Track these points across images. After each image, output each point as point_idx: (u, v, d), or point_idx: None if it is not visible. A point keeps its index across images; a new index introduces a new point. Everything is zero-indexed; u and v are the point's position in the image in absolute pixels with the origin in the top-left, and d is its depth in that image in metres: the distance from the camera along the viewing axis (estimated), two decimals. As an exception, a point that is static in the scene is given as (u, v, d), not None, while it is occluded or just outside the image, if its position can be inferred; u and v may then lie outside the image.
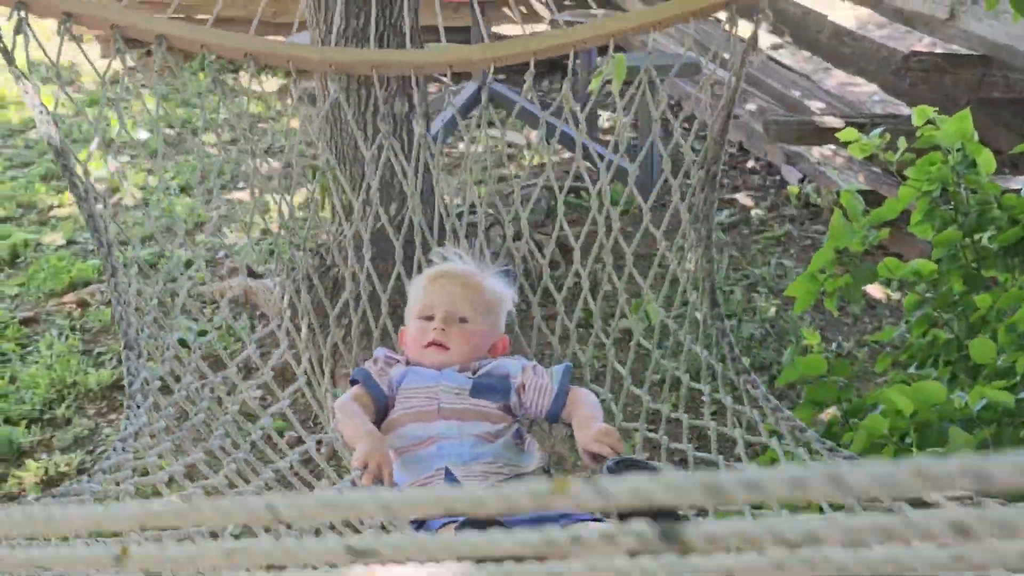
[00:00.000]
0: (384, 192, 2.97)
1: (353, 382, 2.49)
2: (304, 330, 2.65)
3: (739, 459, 2.44)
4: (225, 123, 6.74)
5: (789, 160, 5.55)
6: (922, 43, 6.88)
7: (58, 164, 2.66)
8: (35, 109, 2.57)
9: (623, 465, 2.07)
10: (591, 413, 2.36)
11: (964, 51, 5.11)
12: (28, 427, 3.86)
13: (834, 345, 4.23)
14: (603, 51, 2.93)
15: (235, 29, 7.88)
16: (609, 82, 3.01)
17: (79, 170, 2.57)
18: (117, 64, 2.71)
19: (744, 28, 2.82)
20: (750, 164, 5.94)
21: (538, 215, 4.93)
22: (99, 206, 2.59)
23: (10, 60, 2.46)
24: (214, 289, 4.70)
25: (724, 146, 2.90)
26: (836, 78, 7.11)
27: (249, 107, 6.87)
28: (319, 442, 2.62)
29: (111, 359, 4.24)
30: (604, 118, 6.54)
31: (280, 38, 3.22)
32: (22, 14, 2.47)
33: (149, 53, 8.77)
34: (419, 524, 2.20)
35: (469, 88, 5.53)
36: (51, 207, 5.68)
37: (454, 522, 2.07)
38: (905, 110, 5.36)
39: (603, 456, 2.19)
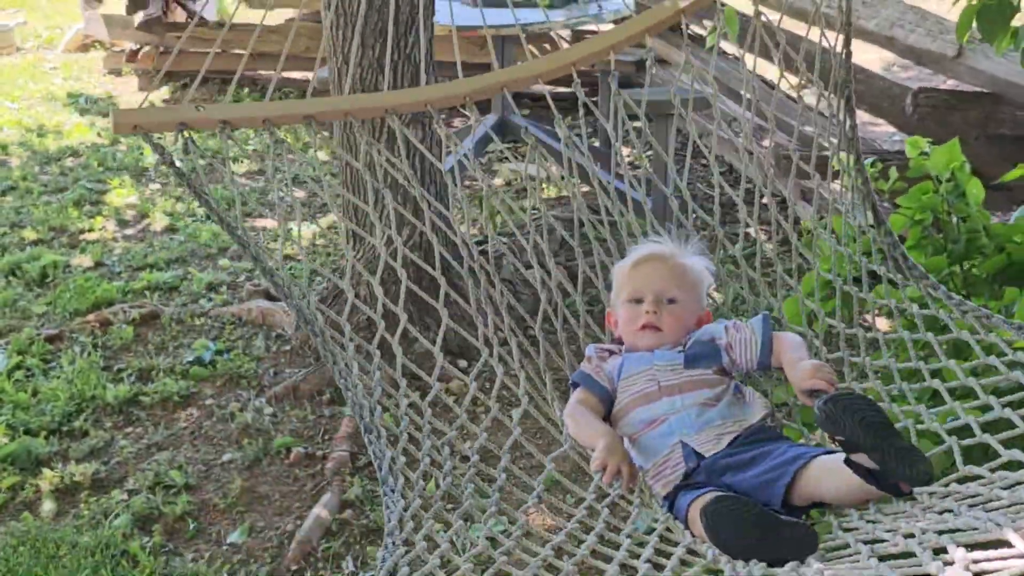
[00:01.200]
0: (399, 218, 2.98)
1: (574, 385, 2.58)
2: (515, 350, 2.66)
3: (938, 359, 2.48)
4: (254, 153, 6.91)
5: (804, 195, 5.60)
6: (946, 84, 6.94)
7: (257, 266, 2.70)
8: (230, 232, 2.62)
9: (833, 402, 2.13)
10: (798, 354, 2.47)
11: (973, 88, 5.19)
12: (47, 438, 3.98)
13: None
14: (624, 84, 3.01)
15: (270, 63, 8.03)
16: (632, 117, 3.05)
17: (280, 271, 2.62)
18: (152, 97, 2.76)
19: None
20: (764, 199, 6.00)
21: (552, 244, 4.99)
22: (305, 300, 2.62)
23: (187, 180, 2.54)
24: (233, 311, 4.82)
25: (851, 71, 3.02)
26: (857, 117, 7.17)
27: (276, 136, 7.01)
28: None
29: (129, 375, 4.36)
30: (625, 153, 6.64)
31: (308, 72, 3.34)
32: (186, 134, 2.57)
33: (185, 86, 8.92)
34: (671, 502, 2.30)
35: (488, 120, 5.64)
36: (82, 231, 5.83)
37: (704, 492, 2.19)
38: (916, 146, 5.42)
39: (820, 391, 2.31)
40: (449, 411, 2.52)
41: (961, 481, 2.06)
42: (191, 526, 3.54)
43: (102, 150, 7.01)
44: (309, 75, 3.57)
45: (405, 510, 2.16)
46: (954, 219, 3.18)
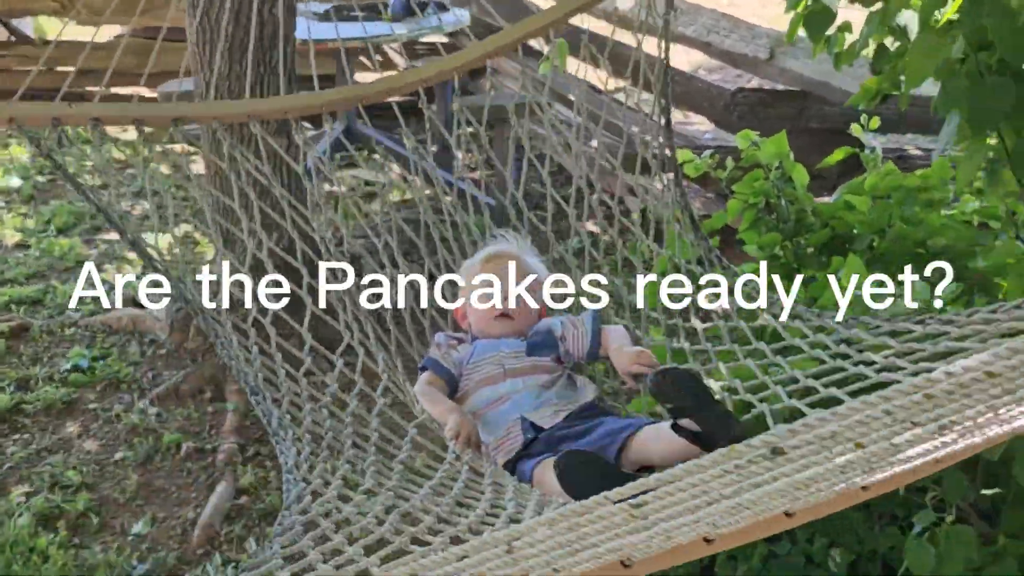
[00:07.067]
0: (265, 223, 3.22)
1: (422, 369, 2.91)
2: (372, 338, 2.99)
3: (749, 342, 2.81)
4: (94, 169, 6.95)
5: (632, 191, 6.02)
6: (752, 83, 7.48)
7: (135, 250, 3.10)
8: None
9: (663, 374, 2.43)
10: (622, 342, 2.86)
11: (785, 87, 5.71)
12: (-67, 450, 4.06)
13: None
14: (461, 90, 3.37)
15: (94, 80, 7.90)
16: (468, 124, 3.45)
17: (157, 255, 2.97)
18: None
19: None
20: (595, 196, 6.39)
21: (404, 245, 5.24)
22: (181, 274, 2.95)
23: (64, 171, 2.76)
24: (103, 319, 4.93)
25: (670, 100, 3.58)
26: (674, 115, 7.65)
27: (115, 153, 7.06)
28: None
29: (8, 385, 4.44)
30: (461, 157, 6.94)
31: (135, 88, 3.50)
32: (59, 128, 2.78)
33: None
34: (512, 469, 2.64)
35: (336, 129, 5.87)
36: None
37: (549, 456, 2.49)
38: (733, 141, 5.90)
39: (642, 374, 2.70)
40: (325, 385, 2.83)
41: None
42: (95, 521, 3.70)
43: None
44: (135, 91, 3.84)
45: (299, 454, 2.51)
46: (783, 202, 3.60)
